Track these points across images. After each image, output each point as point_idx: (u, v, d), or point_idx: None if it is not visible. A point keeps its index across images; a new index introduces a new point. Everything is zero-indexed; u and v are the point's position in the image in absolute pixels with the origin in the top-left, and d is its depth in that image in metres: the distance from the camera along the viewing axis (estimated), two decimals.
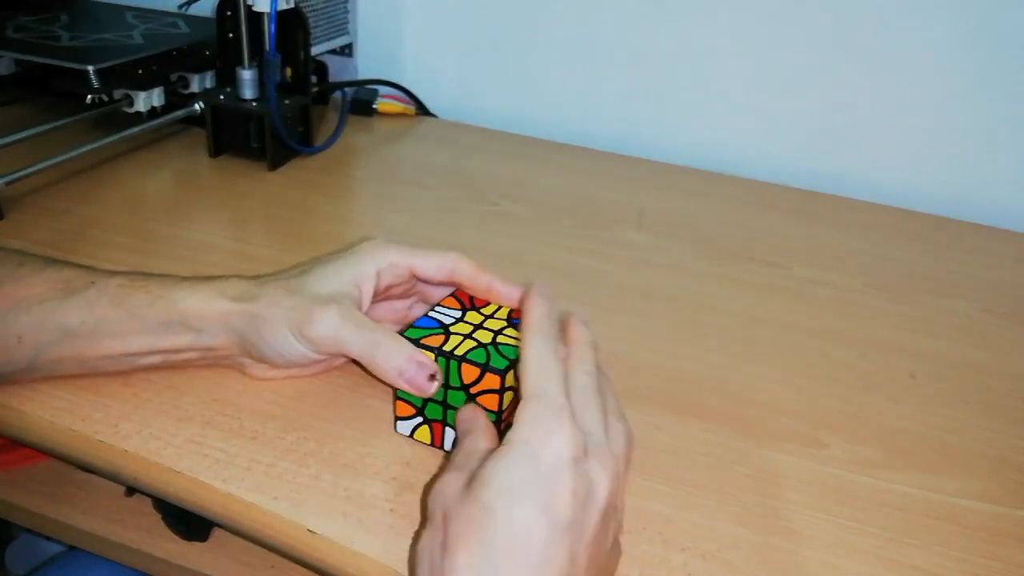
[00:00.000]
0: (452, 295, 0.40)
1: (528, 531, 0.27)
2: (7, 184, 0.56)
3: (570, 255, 0.59)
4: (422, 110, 0.87)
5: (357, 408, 0.40)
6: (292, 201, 0.64)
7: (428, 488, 0.31)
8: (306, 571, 0.37)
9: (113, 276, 0.39)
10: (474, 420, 0.35)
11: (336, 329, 0.36)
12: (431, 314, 0.38)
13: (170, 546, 0.52)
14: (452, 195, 0.68)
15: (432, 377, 0.35)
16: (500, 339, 0.37)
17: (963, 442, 0.43)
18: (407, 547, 0.33)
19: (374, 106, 0.84)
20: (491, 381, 0.35)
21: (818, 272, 0.60)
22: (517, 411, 0.30)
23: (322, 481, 0.36)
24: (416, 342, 0.36)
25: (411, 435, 0.38)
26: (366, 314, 0.38)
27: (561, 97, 0.87)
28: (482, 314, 0.39)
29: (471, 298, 0.40)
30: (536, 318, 0.34)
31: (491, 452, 0.30)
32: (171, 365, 0.40)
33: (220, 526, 0.40)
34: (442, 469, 0.32)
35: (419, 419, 0.38)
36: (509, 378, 0.35)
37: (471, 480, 0.29)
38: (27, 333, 0.37)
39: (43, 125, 0.64)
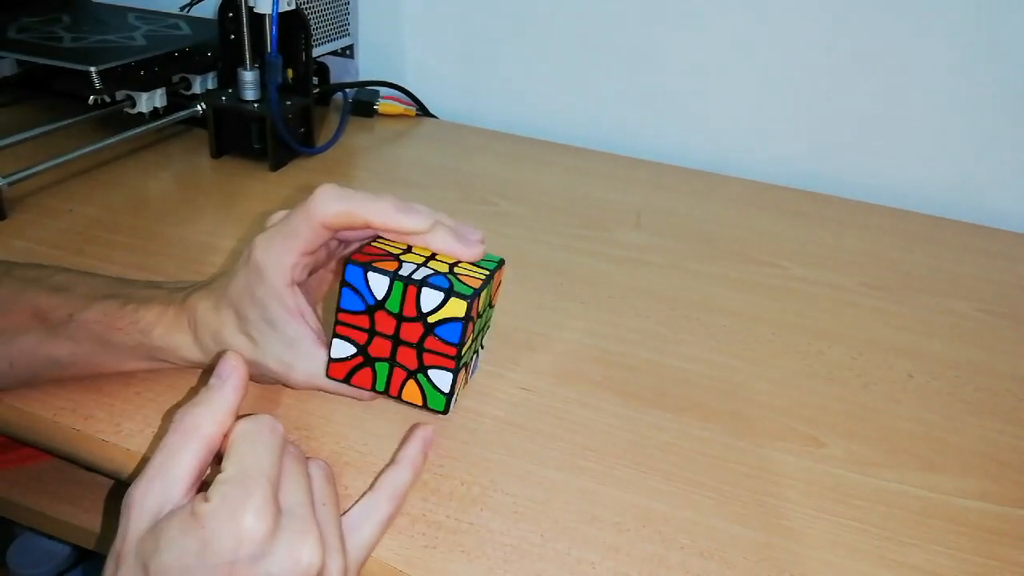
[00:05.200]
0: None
1: None
2: (10, 184, 0.56)
3: (569, 255, 0.59)
4: (422, 111, 0.87)
5: (358, 407, 0.41)
6: (293, 201, 0.63)
7: (131, 488, 0.28)
8: None
9: (88, 309, 0.37)
10: (229, 372, 0.30)
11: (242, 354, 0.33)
12: (375, 242, 0.35)
13: None
14: (452, 195, 0.68)
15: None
16: (458, 269, 0.34)
17: (961, 441, 0.43)
18: (408, 545, 0.33)
19: (375, 107, 0.84)
20: (456, 308, 0.32)
21: (816, 272, 0.60)
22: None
23: None
24: (369, 266, 0.33)
25: (346, 380, 0.35)
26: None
27: (561, 98, 0.87)
28: (424, 253, 0.35)
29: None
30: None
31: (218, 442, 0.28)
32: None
33: None
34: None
35: (360, 360, 0.35)
36: (472, 308, 0.32)
37: (154, 527, 0.26)
38: (17, 360, 0.37)
39: (45, 126, 0.64)
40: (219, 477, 0.27)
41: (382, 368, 0.34)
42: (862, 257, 0.64)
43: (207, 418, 0.29)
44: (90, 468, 0.40)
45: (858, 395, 0.47)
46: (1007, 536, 0.37)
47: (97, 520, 0.54)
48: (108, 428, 0.38)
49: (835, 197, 0.75)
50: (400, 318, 0.33)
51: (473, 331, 0.34)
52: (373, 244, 0.35)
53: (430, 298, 0.32)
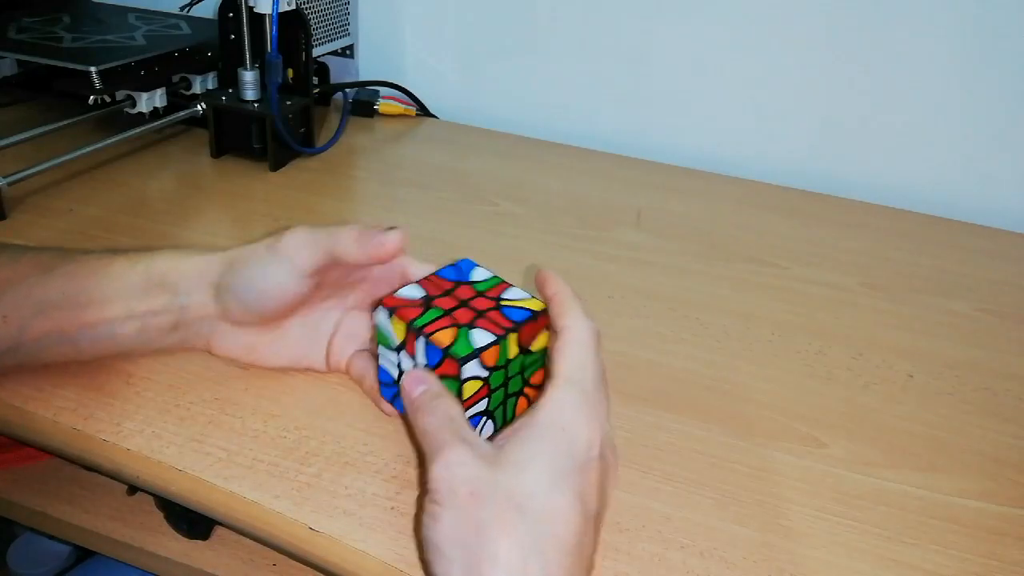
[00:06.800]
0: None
1: (568, 520, 0.28)
2: (10, 184, 0.56)
3: (570, 255, 0.59)
4: (423, 111, 0.87)
5: (357, 407, 0.41)
6: (293, 201, 0.64)
7: (433, 463, 0.30)
8: (308, 569, 0.37)
9: (93, 252, 0.39)
10: (428, 378, 0.33)
11: (307, 233, 0.37)
12: (418, 282, 0.37)
13: (172, 544, 0.53)
14: (452, 195, 0.68)
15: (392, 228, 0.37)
16: (480, 322, 0.34)
17: (961, 441, 0.43)
18: (408, 545, 0.33)
19: (375, 107, 0.84)
20: (449, 367, 0.33)
21: (816, 272, 0.60)
22: (549, 390, 0.31)
23: (323, 479, 0.36)
24: (393, 311, 0.34)
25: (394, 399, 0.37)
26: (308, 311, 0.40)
27: (561, 98, 0.87)
28: (475, 289, 0.36)
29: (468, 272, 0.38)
30: (574, 299, 0.34)
31: (462, 414, 0.32)
32: (146, 341, 0.39)
33: (222, 524, 0.40)
34: (438, 444, 0.30)
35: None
36: (471, 367, 0.33)
37: (497, 458, 0.29)
38: (10, 311, 0.37)
39: (46, 126, 0.64)
40: (556, 379, 0.31)
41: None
42: (861, 257, 0.64)
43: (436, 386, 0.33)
44: (90, 468, 0.40)
45: (858, 395, 0.47)
46: (1007, 536, 0.37)
47: (97, 520, 0.54)
48: (108, 428, 0.38)
49: (835, 197, 0.75)
50: (414, 362, 0.35)
51: (491, 384, 0.34)
52: (425, 279, 0.37)
53: (433, 353, 0.33)
